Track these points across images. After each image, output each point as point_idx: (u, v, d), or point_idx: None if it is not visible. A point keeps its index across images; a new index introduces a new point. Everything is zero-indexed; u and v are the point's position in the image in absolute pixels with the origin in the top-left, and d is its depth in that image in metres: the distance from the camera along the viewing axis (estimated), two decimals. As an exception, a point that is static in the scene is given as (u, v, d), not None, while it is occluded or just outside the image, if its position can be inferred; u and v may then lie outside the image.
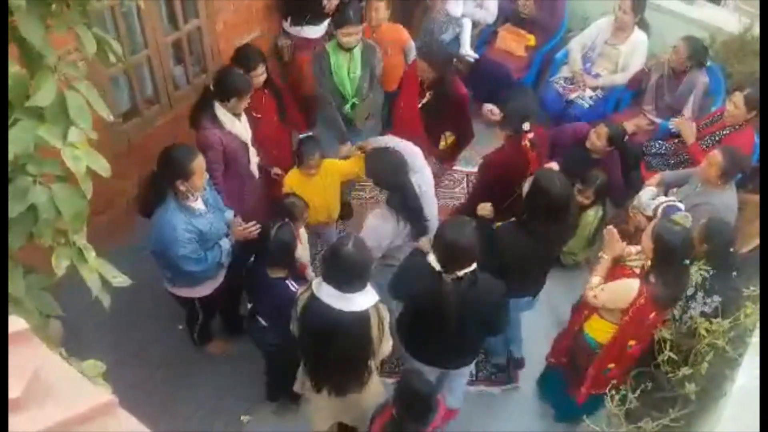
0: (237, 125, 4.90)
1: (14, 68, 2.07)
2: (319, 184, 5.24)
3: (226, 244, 4.67)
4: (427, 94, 5.83)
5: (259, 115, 5.28)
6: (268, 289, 4.43)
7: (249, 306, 4.71)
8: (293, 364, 4.45)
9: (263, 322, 4.60)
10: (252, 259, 4.58)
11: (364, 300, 3.84)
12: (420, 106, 5.87)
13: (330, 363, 4.04)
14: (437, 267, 4.01)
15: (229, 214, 4.82)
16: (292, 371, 4.52)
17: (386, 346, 4.12)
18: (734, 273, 4.51)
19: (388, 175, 4.68)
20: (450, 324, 4.12)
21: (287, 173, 5.33)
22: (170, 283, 4.79)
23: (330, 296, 3.79)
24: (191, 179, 4.29)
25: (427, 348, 4.47)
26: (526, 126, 5.17)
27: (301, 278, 4.56)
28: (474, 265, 4.04)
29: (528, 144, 5.22)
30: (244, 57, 5.17)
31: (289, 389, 4.62)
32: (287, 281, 4.37)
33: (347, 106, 5.73)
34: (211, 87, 4.90)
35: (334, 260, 3.79)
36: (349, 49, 5.49)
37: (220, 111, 4.82)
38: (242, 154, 5.03)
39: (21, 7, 2.02)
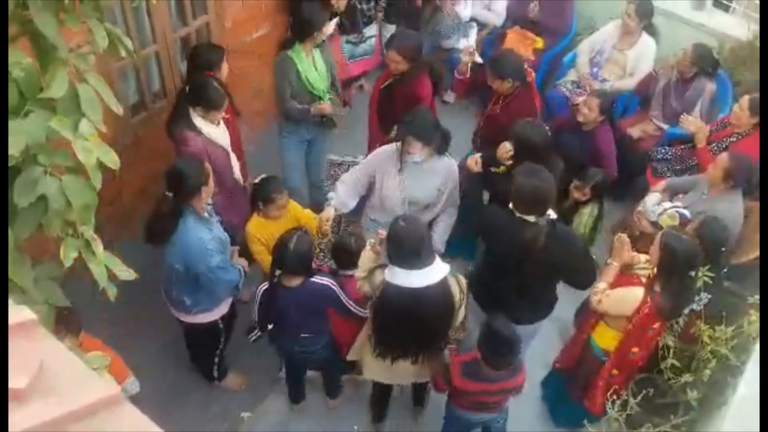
0: (215, 131, 4.85)
1: (27, 60, 2.08)
2: (284, 226, 4.81)
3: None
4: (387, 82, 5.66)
5: (227, 115, 5.17)
6: (294, 297, 4.42)
7: (257, 317, 4.68)
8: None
9: (302, 334, 4.63)
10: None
11: (439, 270, 3.97)
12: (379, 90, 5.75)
13: (415, 338, 4.22)
14: (517, 213, 4.29)
15: None
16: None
17: (461, 312, 4.25)
18: (724, 270, 4.53)
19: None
20: (531, 270, 4.36)
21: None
22: (189, 309, 4.66)
23: (406, 278, 3.91)
24: (207, 189, 4.29)
25: (504, 301, 4.53)
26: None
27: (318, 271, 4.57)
28: (551, 212, 4.32)
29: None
30: (205, 56, 5.06)
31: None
32: (310, 280, 4.41)
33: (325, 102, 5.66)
34: (187, 91, 4.87)
35: (396, 242, 3.92)
36: (310, 49, 5.46)
37: (197, 118, 4.76)
38: (225, 161, 4.96)
39: (37, 2, 2.03)
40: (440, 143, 4.86)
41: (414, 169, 4.91)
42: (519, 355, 4.26)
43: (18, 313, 1.74)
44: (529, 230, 4.27)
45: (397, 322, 4.09)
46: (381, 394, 5.11)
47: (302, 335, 4.64)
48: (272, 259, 4.42)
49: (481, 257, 4.78)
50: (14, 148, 1.95)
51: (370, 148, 5.81)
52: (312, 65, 5.50)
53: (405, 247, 3.90)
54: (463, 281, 4.15)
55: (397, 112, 5.28)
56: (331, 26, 5.51)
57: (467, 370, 4.29)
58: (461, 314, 4.28)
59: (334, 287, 4.44)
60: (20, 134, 1.98)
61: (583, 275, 4.52)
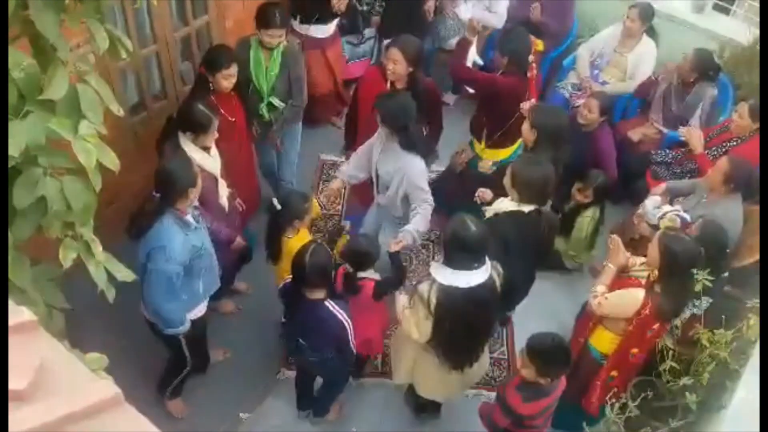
0: (206, 159, 4.73)
1: (27, 61, 2.07)
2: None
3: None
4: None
5: (233, 119, 5.20)
6: (308, 312, 4.40)
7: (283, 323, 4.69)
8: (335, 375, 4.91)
9: (302, 341, 4.60)
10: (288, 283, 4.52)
11: (487, 264, 4.06)
12: None
13: (479, 338, 4.32)
14: (526, 209, 4.55)
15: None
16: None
17: None
18: (725, 274, 4.53)
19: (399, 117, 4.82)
20: (539, 253, 4.75)
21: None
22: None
23: (466, 278, 3.98)
24: (194, 191, 4.21)
25: (515, 291, 4.76)
26: (531, 58, 5.67)
27: (338, 297, 4.51)
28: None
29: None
30: (213, 58, 5.05)
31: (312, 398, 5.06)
32: (326, 302, 4.34)
33: (263, 105, 5.60)
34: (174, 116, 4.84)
35: (463, 245, 3.96)
36: (270, 48, 5.42)
37: (186, 144, 4.68)
38: (211, 187, 4.80)
39: (37, 2, 2.03)
40: (406, 139, 4.87)
41: (389, 147, 4.99)
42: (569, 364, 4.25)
43: (18, 314, 1.74)
44: (541, 220, 4.58)
45: (463, 325, 4.14)
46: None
47: (308, 351, 4.63)
48: (292, 275, 4.39)
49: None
50: (14, 149, 1.94)
51: None
52: (263, 62, 5.46)
53: (472, 248, 3.97)
54: (499, 267, 4.22)
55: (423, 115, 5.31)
56: (275, 39, 5.37)
57: (527, 395, 4.19)
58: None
59: (347, 326, 4.38)
60: (20, 135, 1.98)
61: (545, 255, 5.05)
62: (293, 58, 5.56)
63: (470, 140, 6.06)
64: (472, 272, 3.99)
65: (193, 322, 4.59)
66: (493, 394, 5.43)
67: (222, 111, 5.03)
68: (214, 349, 5.41)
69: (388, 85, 5.42)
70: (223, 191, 4.97)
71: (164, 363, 5.01)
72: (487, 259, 4.07)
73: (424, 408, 5.26)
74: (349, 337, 4.42)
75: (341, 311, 4.34)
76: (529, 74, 5.63)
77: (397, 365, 4.83)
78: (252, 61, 5.43)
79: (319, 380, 5.18)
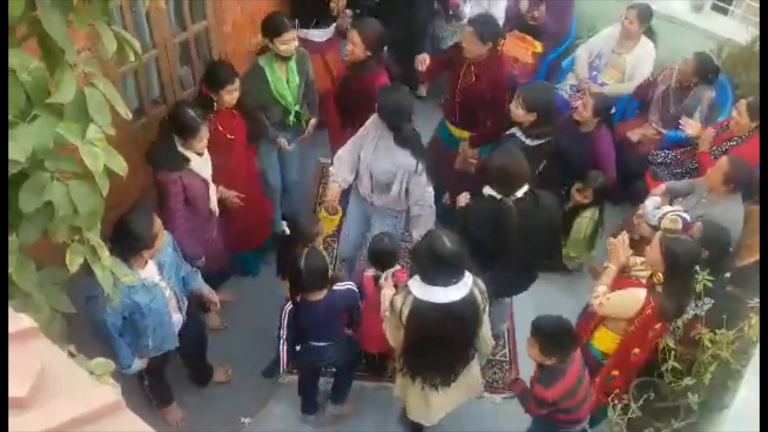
0: (198, 162, 4.74)
1: (35, 63, 2.07)
2: None
3: (176, 318, 4.48)
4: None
5: (232, 136, 5.16)
6: (316, 311, 4.40)
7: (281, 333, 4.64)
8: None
9: (319, 344, 4.63)
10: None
11: (466, 280, 3.97)
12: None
13: (449, 353, 4.22)
14: (497, 195, 4.53)
15: (195, 277, 4.72)
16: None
17: (485, 319, 4.25)
18: (727, 275, 4.55)
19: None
20: (519, 244, 4.61)
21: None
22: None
23: (443, 294, 3.90)
24: (149, 252, 4.09)
25: (493, 278, 4.56)
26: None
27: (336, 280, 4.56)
28: (526, 186, 4.57)
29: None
30: (217, 75, 5.00)
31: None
32: (333, 288, 4.39)
33: (291, 117, 5.62)
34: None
35: (437, 260, 3.89)
36: (285, 59, 5.38)
37: (182, 147, 4.68)
38: (203, 193, 4.86)
39: (45, 2, 2.02)
40: (401, 135, 4.91)
41: (382, 145, 5.00)
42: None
43: (18, 321, 1.74)
44: (508, 208, 4.55)
45: (432, 340, 4.08)
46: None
47: (319, 345, 4.64)
48: (289, 283, 4.40)
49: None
50: (21, 154, 1.94)
51: (334, 146, 5.82)
52: (283, 76, 5.45)
53: (448, 263, 3.90)
54: (482, 284, 4.12)
55: (356, 105, 5.37)
56: (286, 45, 5.33)
57: (545, 380, 4.22)
58: (486, 321, 4.26)
59: (354, 289, 4.48)
60: (27, 139, 1.97)
61: (553, 246, 5.09)
62: (305, 62, 5.61)
63: (441, 120, 6.16)
64: (448, 288, 3.91)
65: (154, 357, 4.51)
66: (496, 397, 5.49)
67: (220, 128, 5.03)
68: (217, 368, 5.41)
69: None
70: (213, 196, 4.96)
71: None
72: (467, 274, 3.99)
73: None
74: (359, 300, 4.54)
75: (345, 284, 4.45)
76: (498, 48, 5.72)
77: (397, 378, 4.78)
78: (272, 81, 5.41)
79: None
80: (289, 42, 5.29)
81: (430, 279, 3.92)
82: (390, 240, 4.87)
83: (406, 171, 4.94)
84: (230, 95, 4.99)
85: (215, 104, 5.01)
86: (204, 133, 4.64)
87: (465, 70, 5.64)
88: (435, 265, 3.90)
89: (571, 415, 4.36)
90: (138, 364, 4.37)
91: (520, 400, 4.59)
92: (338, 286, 4.44)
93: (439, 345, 4.09)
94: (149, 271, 4.16)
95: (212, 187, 4.94)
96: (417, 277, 4.01)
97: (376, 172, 5.06)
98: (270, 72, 5.37)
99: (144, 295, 4.07)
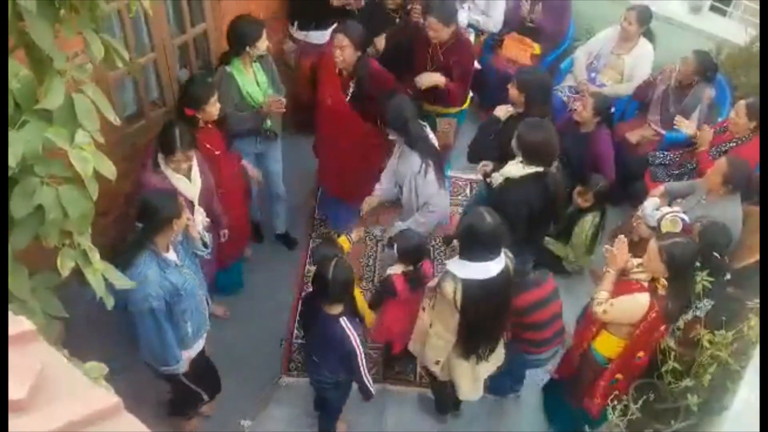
0: (180, 182, 4.62)
1: (23, 71, 2.08)
2: None
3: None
4: (350, 84, 5.62)
5: (218, 151, 5.09)
6: (322, 327, 4.38)
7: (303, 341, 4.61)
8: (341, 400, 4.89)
9: (315, 358, 4.59)
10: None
11: (501, 254, 4.15)
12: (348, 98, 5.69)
13: (495, 325, 4.42)
14: (539, 168, 4.72)
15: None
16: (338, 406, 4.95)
17: None
18: (727, 277, 4.54)
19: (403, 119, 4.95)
20: (553, 212, 5.01)
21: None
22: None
23: (485, 270, 4.09)
24: (179, 222, 4.10)
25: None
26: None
27: (356, 315, 4.53)
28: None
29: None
30: (197, 93, 4.88)
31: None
32: (341, 320, 4.31)
33: (267, 122, 5.54)
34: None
35: (481, 237, 4.05)
36: (252, 61, 5.31)
37: (163, 164, 4.57)
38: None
39: (31, 12, 2.03)
40: (408, 137, 5.00)
41: (401, 151, 5.18)
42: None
43: (17, 324, 1.74)
44: (542, 180, 4.77)
45: (484, 315, 4.25)
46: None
47: (317, 367, 4.62)
48: (314, 287, 4.38)
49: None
50: (11, 159, 1.95)
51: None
52: (253, 79, 5.37)
53: (490, 240, 4.07)
54: (510, 255, 4.30)
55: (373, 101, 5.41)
56: (265, 43, 5.26)
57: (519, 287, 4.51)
58: None
59: (356, 348, 4.34)
60: (17, 145, 1.98)
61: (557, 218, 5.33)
62: (267, 58, 5.51)
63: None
64: (489, 263, 4.08)
65: (193, 359, 4.55)
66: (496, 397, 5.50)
67: (207, 146, 4.97)
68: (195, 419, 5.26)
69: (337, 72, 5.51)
70: (199, 218, 4.75)
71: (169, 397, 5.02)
72: (502, 248, 4.16)
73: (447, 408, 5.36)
74: (360, 365, 4.40)
75: (354, 333, 4.33)
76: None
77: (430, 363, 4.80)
78: (243, 86, 5.30)
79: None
80: (263, 44, 5.24)
81: (473, 257, 4.09)
82: (417, 235, 4.94)
83: (412, 173, 5.03)
84: (214, 107, 4.91)
85: (199, 122, 4.90)
86: (185, 153, 4.53)
87: (432, 52, 5.75)
88: (477, 243, 4.08)
89: (536, 334, 4.73)
90: (185, 357, 4.43)
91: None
92: (346, 326, 4.32)
93: (489, 318, 4.30)
94: (173, 255, 4.19)
95: (198, 210, 4.74)
96: (456, 260, 4.18)
97: (398, 176, 5.23)
98: (239, 77, 5.28)
99: (178, 276, 4.14)
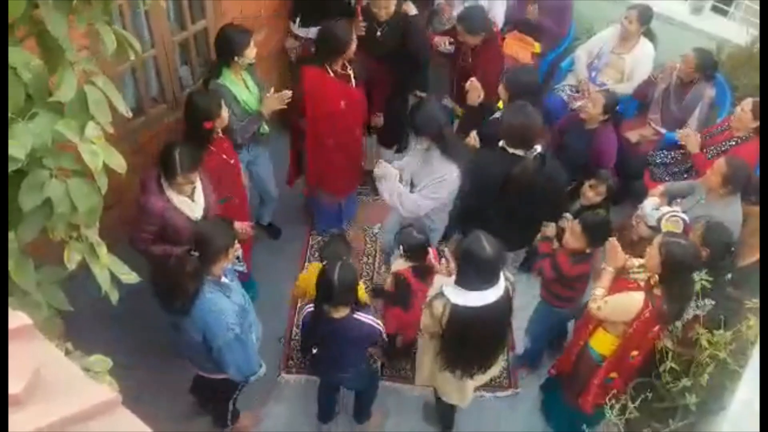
0: (184, 204, 4.58)
1: (35, 61, 2.07)
2: None
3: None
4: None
5: (232, 159, 5.11)
6: (337, 332, 4.35)
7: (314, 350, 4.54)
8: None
9: (335, 361, 4.60)
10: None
11: (500, 280, 4.11)
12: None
13: (485, 348, 4.37)
14: (510, 150, 4.81)
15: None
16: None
17: None
18: (728, 276, 4.55)
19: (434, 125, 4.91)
20: (518, 197, 4.85)
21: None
22: (211, 370, 4.48)
23: (480, 298, 4.03)
24: (233, 251, 4.16)
25: (492, 226, 4.59)
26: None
27: (359, 304, 4.49)
28: (539, 147, 4.85)
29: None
30: (205, 106, 4.81)
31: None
32: (354, 316, 4.32)
33: (262, 123, 5.49)
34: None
35: (477, 266, 4.00)
36: (242, 71, 5.27)
37: (166, 186, 4.53)
38: (185, 234, 4.52)
39: (48, 2, 2.03)
40: (444, 145, 4.94)
41: (416, 152, 5.24)
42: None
43: (14, 318, 1.74)
44: (518, 163, 4.77)
45: (471, 339, 4.19)
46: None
47: (340, 367, 4.63)
48: (316, 291, 4.33)
49: (469, 191, 5.04)
50: (20, 151, 1.95)
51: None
52: (244, 86, 5.32)
53: (487, 267, 4.01)
54: (510, 276, 4.32)
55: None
56: (253, 51, 5.21)
57: (576, 258, 4.84)
58: None
59: (380, 328, 4.43)
60: (26, 137, 1.98)
61: (557, 209, 5.24)
62: (253, 66, 5.45)
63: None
64: (486, 291, 4.03)
65: None
66: (494, 394, 5.51)
67: (224, 156, 5.00)
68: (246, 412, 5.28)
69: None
70: None
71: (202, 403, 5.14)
72: (501, 274, 4.12)
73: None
74: (383, 336, 4.50)
75: (369, 317, 4.36)
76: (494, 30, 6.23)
77: (418, 368, 4.90)
78: (238, 94, 5.24)
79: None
80: (252, 52, 5.19)
81: (469, 284, 4.03)
82: (417, 231, 4.94)
83: (441, 178, 4.99)
84: (226, 112, 4.92)
85: (213, 134, 4.88)
86: (187, 176, 4.47)
87: (463, 52, 6.10)
88: (474, 270, 4.01)
89: (569, 293, 5.05)
90: (262, 369, 4.53)
91: (537, 257, 5.10)
92: (362, 317, 4.35)
93: (478, 342, 4.23)
94: (225, 280, 4.24)
95: None
96: (452, 283, 4.10)
97: (415, 179, 5.23)
98: (233, 87, 5.23)
99: (238, 296, 4.27)
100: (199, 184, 4.65)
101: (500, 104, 5.60)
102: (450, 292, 4.07)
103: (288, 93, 5.31)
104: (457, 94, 6.22)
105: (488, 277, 4.03)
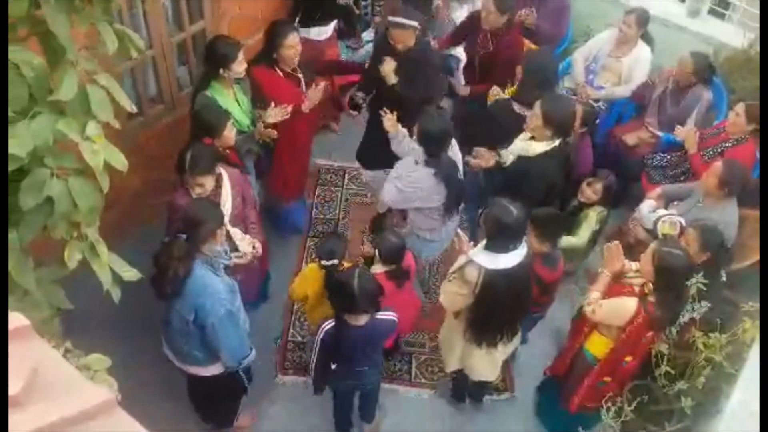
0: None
1: (37, 59, 2.07)
2: None
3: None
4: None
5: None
6: (358, 338, 4.33)
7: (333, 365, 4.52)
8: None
9: (362, 368, 4.61)
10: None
11: (523, 244, 4.32)
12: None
13: (512, 313, 4.54)
14: (557, 141, 4.98)
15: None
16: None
17: None
18: (723, 278, 4.56)
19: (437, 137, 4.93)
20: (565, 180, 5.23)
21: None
22: (203, 362, 4.45)
23: (507, 260, 4.21)
24: (221, 232, 4.19)
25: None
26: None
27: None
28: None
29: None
30: (214, 120, 4.80)
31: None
32: (375, 318, 4.30)
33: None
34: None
35: (505, 230, 4.17)
36: (233, 85, 5.19)
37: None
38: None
39: (50, 2, 2.03)
40: (435, 161, 4.93)
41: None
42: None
43: (11, 319, 1.74)
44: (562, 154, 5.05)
45: (502, 305, 4.37)
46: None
47: (360, 369, 4.60)
48: (335, 303, 4.35)
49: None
50: (22, 150, 1.95)
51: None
52: (234, 100, 5.23)
53: (515, 231, 4.19)
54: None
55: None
56: (242, 65, 5.10)
57: (549, 261, 4.82)
58: None
59: (395, 318, 4.45)
60: (27, 136, 1.98)
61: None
62: (245, 80, 5.39)
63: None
64: (511, 254, 4.20)
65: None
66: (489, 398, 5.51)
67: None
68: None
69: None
70: (238, 235, 4.77)
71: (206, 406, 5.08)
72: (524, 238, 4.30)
73: (464, 397, 5.47)
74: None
75: (387, 314, 4.41)
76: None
77: (447, 354, 5.01)
78: (226, 107, 5.10)
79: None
80: (242, 64, 5.09)
81: (497, 248, 4.21)
82: (396, 236, 4.93)
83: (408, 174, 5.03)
84: (231, 132, 4.87)
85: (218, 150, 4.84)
86: (189, 182, 4.50)
87: (482, 39, 6.11)
88: (502, 235, 4.18)
89: (545, 298, 5.03)
90: (253, 352, 4.55)
91: None
92: (382, 315, 4.35)
93: (506, 307, 4.43)
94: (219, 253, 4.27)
95: (235, 232, 4.74)
96: (481, 249, 4.29)
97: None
98: (221, 99, 5.11)
99: (227, 277, 4.30)
100: (228, 187, 4.70)
101: (509, 91, 5.70)
102: (482, 259, 4.23)
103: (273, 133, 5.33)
104: (480, 77, 6.25)
105: (515, 239, 4.21)
